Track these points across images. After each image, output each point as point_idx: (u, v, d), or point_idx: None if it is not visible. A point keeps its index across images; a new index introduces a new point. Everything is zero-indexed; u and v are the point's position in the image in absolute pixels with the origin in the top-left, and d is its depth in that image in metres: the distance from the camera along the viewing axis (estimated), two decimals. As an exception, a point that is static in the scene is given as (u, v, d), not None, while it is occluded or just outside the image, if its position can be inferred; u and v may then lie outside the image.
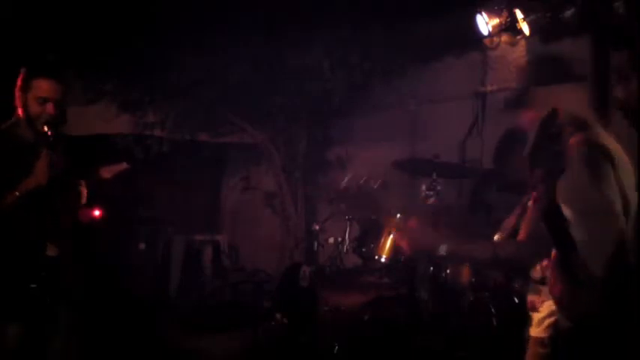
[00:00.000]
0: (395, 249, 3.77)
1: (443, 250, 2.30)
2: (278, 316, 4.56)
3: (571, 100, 2.20)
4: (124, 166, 3.32)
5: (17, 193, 2.81)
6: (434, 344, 3.58)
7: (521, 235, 2.15)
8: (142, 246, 6.68)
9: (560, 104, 2.16)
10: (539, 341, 2.14)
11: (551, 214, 1.89)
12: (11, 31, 4.76)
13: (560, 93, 2.24)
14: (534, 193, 2.01)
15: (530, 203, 2.16)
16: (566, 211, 1.88)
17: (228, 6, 5.10)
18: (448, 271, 3.64)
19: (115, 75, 6.02)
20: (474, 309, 3.51)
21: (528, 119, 2.19)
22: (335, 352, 3.90)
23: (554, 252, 1.99)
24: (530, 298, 2.22)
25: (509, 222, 2.32)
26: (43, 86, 2.92)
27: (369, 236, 4.05)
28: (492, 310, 3.38)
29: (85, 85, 5.98)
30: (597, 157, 1.95)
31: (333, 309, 4.16)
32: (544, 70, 2.32)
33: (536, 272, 2.18)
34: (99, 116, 6.10)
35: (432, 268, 3.68)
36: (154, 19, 5.18)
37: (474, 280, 3.55)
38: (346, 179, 4.13)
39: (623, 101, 2.48)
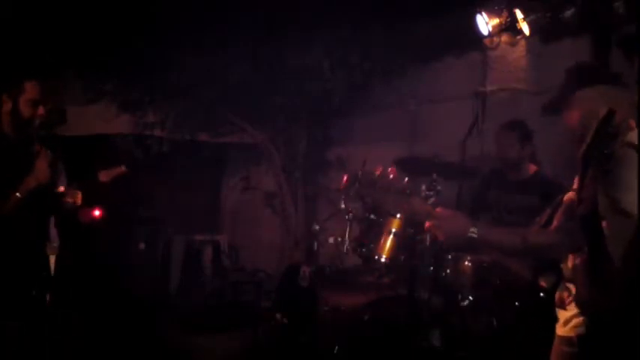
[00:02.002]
0: (395, 249, 3.75)
1: (474, 232, 2.17)
2: (278, 316, 4.56)
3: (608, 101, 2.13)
4: (122, 169, 3.31)
5: (18, 194, 2.81)
6: (434, 344, 3.58)
7: (554, 225, 2.12)
8: (142, 246, 6.68)
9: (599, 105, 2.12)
10: (567, 340, 2.11)
11: (591, 218, 1.87)
12: (11, 31, 4.75)
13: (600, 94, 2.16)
14: (578, 194, 1.93)
15: (565, 198, 2.13)
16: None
17: (228, 6, 5.10)
18: (448, 271, 3.63)
19: (115, 75, 6.02)
20: (474, 309, 3.51)
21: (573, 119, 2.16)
22: (335, 352, 3.90)
23: (584, 254, 1.97)
24: (559, 294, 2.19)
25: (540, 220, 2.29)
26: (35, 89, 2.89)
27: (369, 236, 4.03)
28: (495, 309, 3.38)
29: (85, 85, 5.98)
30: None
31: (333, 309, 4.16)
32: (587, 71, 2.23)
33: (568, 270, 2.15)
34: (99, 116, 6.10)
35: (431, 268, 3.68)
36: (154, 19, 5.18)
37: (474, 279, 3.54)
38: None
39: None
